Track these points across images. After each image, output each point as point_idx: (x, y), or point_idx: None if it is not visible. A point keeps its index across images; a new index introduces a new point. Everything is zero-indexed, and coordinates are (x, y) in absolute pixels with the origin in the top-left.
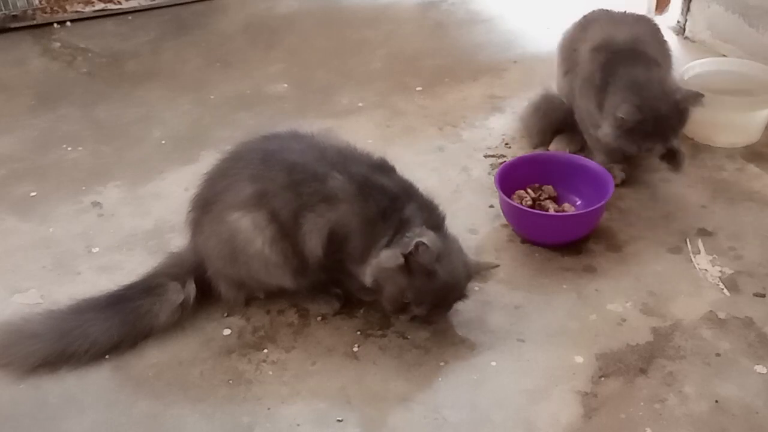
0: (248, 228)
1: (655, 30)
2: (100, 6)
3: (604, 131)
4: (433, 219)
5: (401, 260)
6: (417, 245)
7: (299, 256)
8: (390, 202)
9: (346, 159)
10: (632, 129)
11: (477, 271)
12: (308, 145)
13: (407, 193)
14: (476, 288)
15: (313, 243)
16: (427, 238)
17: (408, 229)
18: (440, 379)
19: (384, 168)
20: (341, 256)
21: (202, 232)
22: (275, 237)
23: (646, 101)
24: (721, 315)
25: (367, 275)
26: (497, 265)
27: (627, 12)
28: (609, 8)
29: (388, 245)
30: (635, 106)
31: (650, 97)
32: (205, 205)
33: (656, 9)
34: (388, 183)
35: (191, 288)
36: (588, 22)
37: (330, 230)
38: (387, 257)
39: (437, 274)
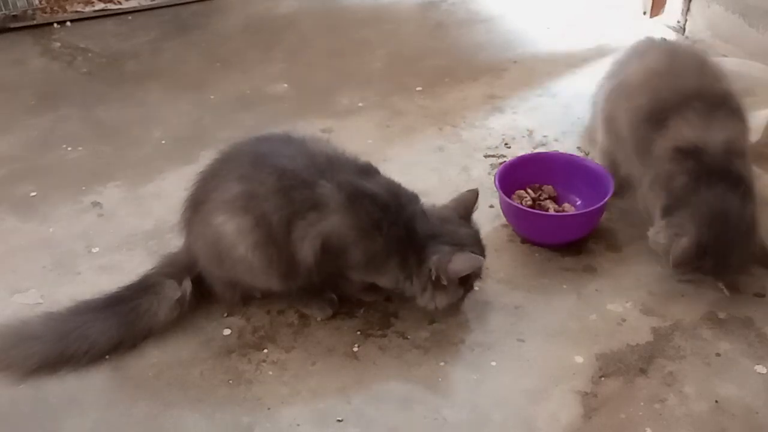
0: (231, 233)
1: (740, 110)
2: (100, 6)
3: (657, 241)
4: (418, 213)
5: (461, 293)
6: (467, 278)
7: (288, 261)
8: (382, 213)
9: (333, 166)
10: (687, 264)
11: (470, 212)
12: (298, 150)
13: (395, 196)
14: (476, 288)
15: (305, 251)
16: (457, 258)
17: (418, 250)
18: (440, 379)
19: (369, 171)
20: (340, 264)
21: (192, 232)
22: (259, 242)
23: (713, 240)
24: (721, 315)
25: (429, 308)
26: (476, 191)
27: (702, 70)
28: (674, 60)
29: (410, 272)
30: (695, 245)
31: (721, 237)
32: (196, 205)
33: (651, 11)
34: (377, 189)
35: (188, 285)
36: (660, 111)
37: (323, 241)
38: (447, 299)
39: (481, 259)
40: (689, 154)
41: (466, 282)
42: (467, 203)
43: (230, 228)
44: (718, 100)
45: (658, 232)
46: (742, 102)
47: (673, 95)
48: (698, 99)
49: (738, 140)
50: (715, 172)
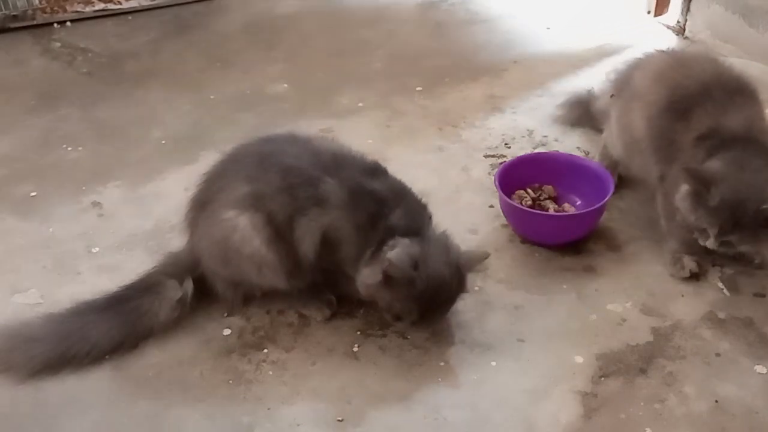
0: (246, 227)
1: (756, 94)
2: (100, 6)
3: (679, 199)
4: (416, 222)
5: (380, 276)
6: (388, 260)
7: (293, 258)
8: (378, 207)
9: (339, 164)
10: (705, 202)
11: (469, 267)
12: (304, 148)
13: (397, 196)
14: (476, 288)
15: (305, 246)
16: (398, 251)
17: (390, 239)
18: (440, 379)
19: (376, 171)
20: (336, 259)
21: (197, 231)
22: (272, 238)
23: (735, 181)
24: (721, 315)
25: (359, 288)
26: (488, 254)
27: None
28: (682, 60)
29: (372, 255)
30: (714, 173)
31: (743, 181)
32: (202, 205)
33: (656, 10)
34: (379, 187)
35: (189, 285)
36: (679, 101)
37: (322, 235)
38: (367, 275)
39: (416, 282)
40: (707, 136)
41: (388, 281)
42: (474, 258)
43: (244, 221)
44: (734, 85)
45: (681, 192)
46: (756, 87)
47: (692, 83)
48: (717, 86)
49: (756, 119)
50: (734, 141)
